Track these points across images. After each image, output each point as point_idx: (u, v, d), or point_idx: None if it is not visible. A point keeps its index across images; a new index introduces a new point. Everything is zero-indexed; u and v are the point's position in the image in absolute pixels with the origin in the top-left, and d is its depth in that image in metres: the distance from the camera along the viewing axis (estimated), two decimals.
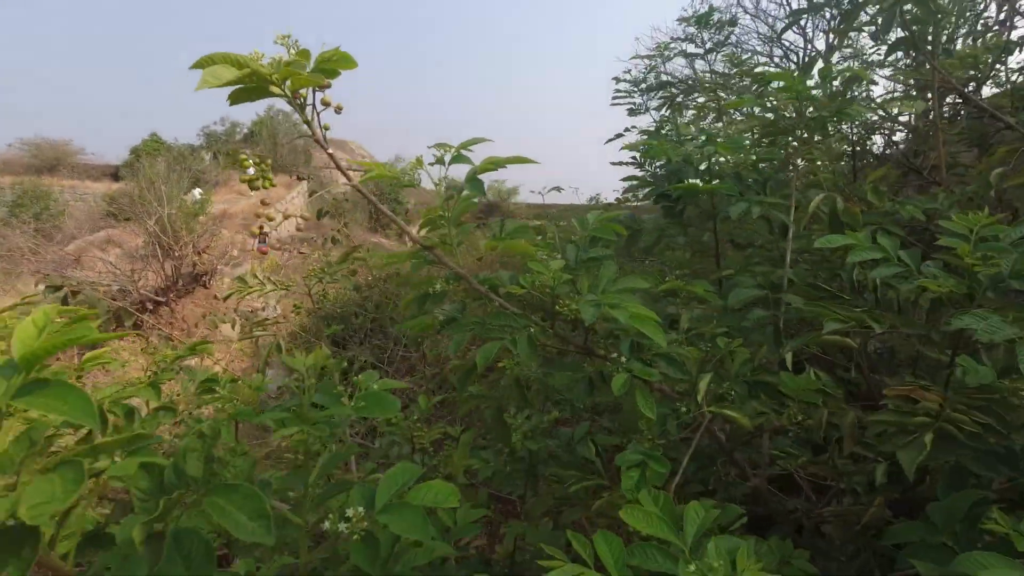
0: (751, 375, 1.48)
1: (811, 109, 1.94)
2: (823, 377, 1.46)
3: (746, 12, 8.12)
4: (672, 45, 5.02)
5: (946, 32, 2.63)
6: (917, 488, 1.51)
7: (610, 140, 4.88)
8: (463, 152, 1.22)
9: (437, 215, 1.25)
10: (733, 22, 3.71)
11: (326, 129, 0.97)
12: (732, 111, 2.82)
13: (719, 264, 2.16)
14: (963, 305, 1.25)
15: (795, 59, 7.36)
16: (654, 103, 5.07)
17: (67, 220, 15.73)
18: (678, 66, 6.14)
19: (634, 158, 4.25)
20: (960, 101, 3.37)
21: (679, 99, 3.73)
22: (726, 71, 4.76)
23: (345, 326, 5.87)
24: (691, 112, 4.58)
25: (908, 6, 2.44)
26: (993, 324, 1.05)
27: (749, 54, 4.33)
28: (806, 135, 1.91)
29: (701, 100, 4.25)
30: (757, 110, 2.19)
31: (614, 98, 5.24)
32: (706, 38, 3.51)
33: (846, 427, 1.41)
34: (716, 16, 3.44)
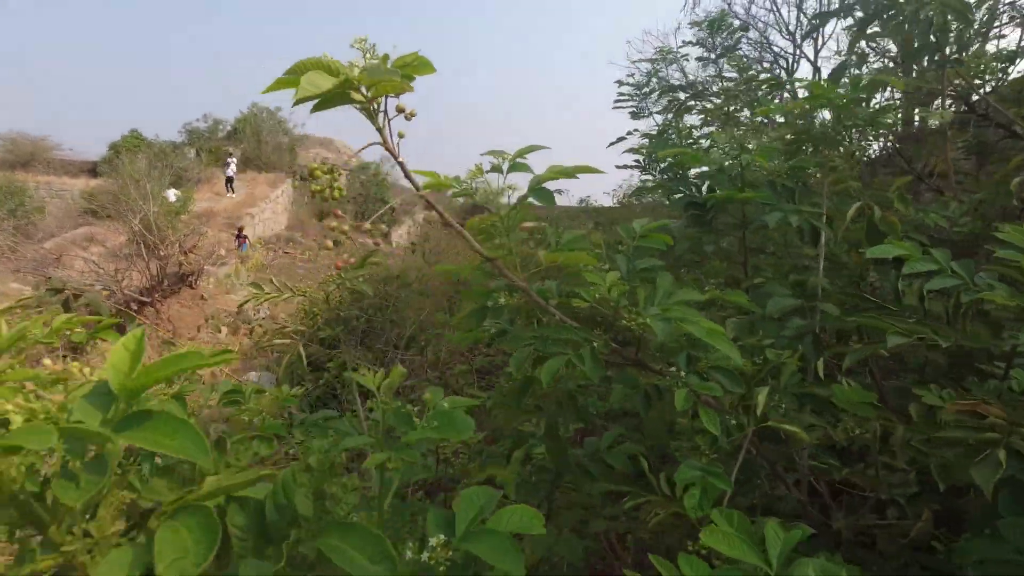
0: (799, 387, 1.46)
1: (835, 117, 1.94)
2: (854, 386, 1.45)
3: (736, 18, 8.20)
4: (676, 50, 5.03)
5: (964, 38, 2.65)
6: (958, 500, 1.51)
7: (612, 144, 4.88)
8: (519, 160, 1.18)
9: (488, 225, 1.21)
10: (745, 27, 3.72)
11: (401, 137, 0.92)
12: (752, 117, 2.82)
13: (746, 272, 2.15)
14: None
15: (783, 65, 7.44)
16: (657, 107, 5.07)
17: (45, 217, 15.30)
18: (678, 71, 6.15)
19: (637, 161, 4.24)
20: (965, 108, 3.41)
21: (688, 103, 3.73)
22: (733, 76, 4.78)
23: (342, 327, 5.79)
24: (697, 117, 4.59)
25: (930, 12, 2.46)
26: None
27: (744, 60, 4.33)
28: (839, 144, 1.90)
29: (708, 105, 4.25)
30: (780, 118, 2.18)
31: (616, 102, 5.23)
32: (717, 43, 3.51)
33: (897, 441, 1.40)
34: (728, 21, 3.44)
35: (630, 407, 1.66)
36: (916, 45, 2.68)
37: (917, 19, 2.52)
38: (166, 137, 22.18)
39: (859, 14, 2.48)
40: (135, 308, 8.82)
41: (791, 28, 7.89)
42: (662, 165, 4.34)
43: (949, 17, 2.49)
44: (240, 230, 16.49)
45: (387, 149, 0.93)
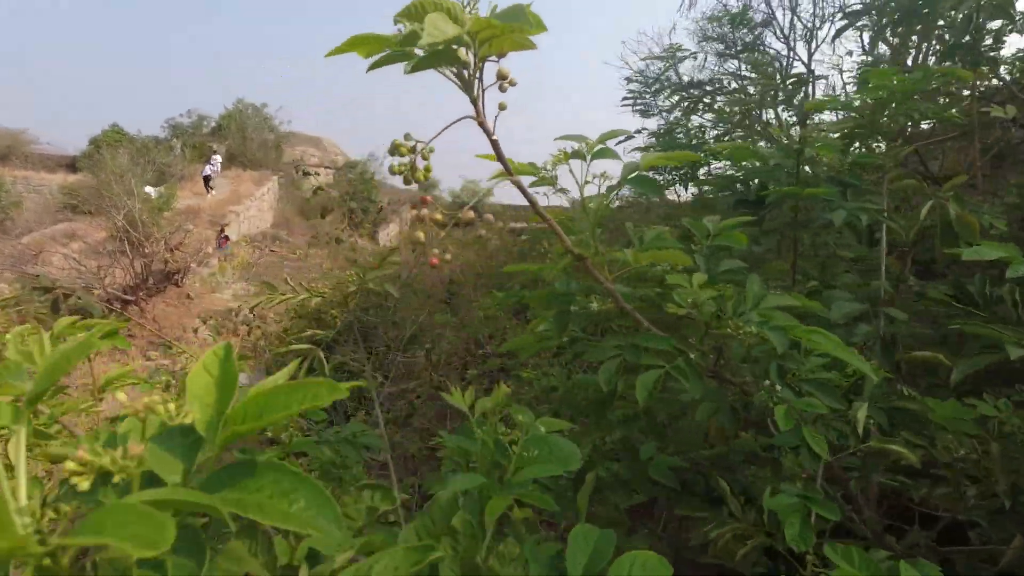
0: (887, 401, 1.34)
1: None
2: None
3: (714, 22, 8.15)
4: (684, 48, 4.92)
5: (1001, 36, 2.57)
6: None
7: (621, 141, 4.76)
8: (602, 146, 1.03)
9: (566, 219, 1.07)
10: (768, 22, 3.63)
11: (502, 109, 0.77)
12: (791, 114, 2.71)
13: (794, 275, 2.03)
14: None
15: (777, 66, 7.40)
16: (667, 104, 4.96)
17: (23, 212, 14.80)
18: (689, 69, 6.06)
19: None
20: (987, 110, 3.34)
21: (703, 100, 3.62)
22: (740, 74, 4.68)
23: (335, 329, 5.59)
24: (705, 116, 4.49)
25: (968, 10, 2.37)
26: None
27: (761, 58, 4.24)
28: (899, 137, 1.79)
29: (721, 104, 4.15)
30: (832, 115, 2.07)
31: (625, 99, 5.11)
32: (737, 38, 3.40)
33: (996, 459, 1.29)
34: (753, 16, 3.34)
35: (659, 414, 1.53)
36: (951, 42, 2.60)
37: (954, 17, 2.44)
38: (150, 133, 21.63)
39: (877, 16, 2.41)
40: (118, 307, 8.51)
41: (785, 31, 7.88)
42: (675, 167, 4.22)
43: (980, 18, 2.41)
44: (222, 230, 15.91)
45: (480, 125, 0.78)
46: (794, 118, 3.27)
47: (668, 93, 4.87)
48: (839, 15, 3.78)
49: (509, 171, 0.84)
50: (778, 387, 1.14)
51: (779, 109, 3.43)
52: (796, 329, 0.98)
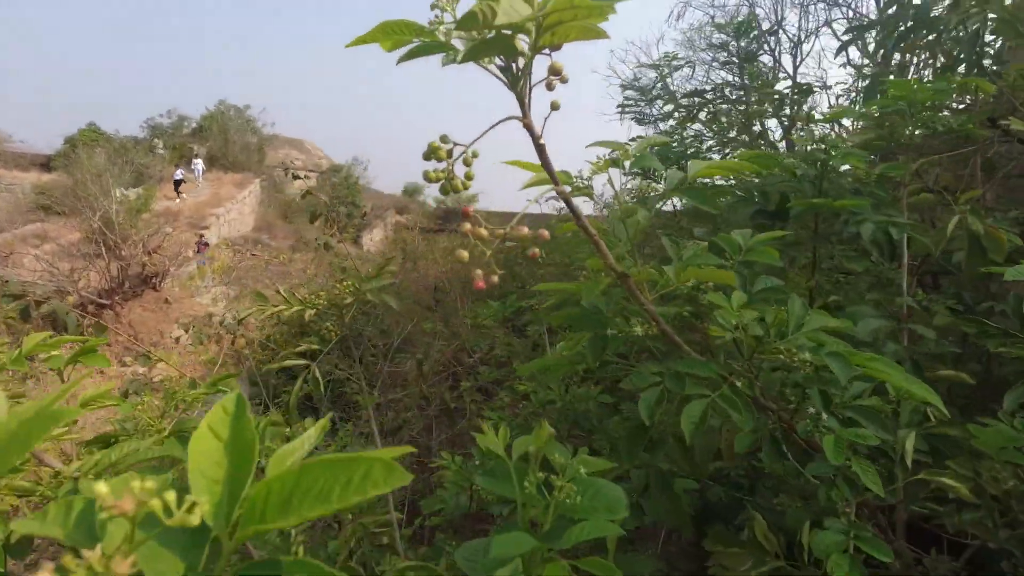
0: (926, 427, 1.27)
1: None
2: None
3: (719, 31, 8.20)
4: (679, 56, 4.89)
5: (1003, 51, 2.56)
6: None
7: (590, 145, 4.70)
8: (641, 154, 0.94)
9: (600, 229, 0.97)
10: (773, 31, 3.60)
11: (555, 109, 0.67)
12: (811, 122, 2.65)
13: (812, 290, 1.96)
14: None
15: (766, 79, 7.44)
16: (661, 113, 4.92)
17: None
18: (678, 79, 6.04)
19: (643, 168, 4.05)
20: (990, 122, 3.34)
21: (704, 107, 3.57)
22: (730, 82, 4.66)
23: (330, 341, 5.43)
24: (700, 125, 4.45)
25: (976, 25, 2.35)
26: None
27: (762, 68, 4.23)
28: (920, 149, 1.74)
29: (721, 113, 4.11)
30: (853, 123, 2.01)
31: (620, 107, 5.06)
32: (742, 47, 3.37)
33: None
34: (754, 25, 3.30)
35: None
36: (958, 55, 2.58)
37: (962, 32, 2.41)
38: (128, 134, 21.13)
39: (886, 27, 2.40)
40: (92, 311, 8.22)
41: (771, 44, 7.94)
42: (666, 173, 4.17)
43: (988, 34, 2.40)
44: (201, 238, 15.27)
45: (526, 126, 0.68)
46: (802, 129, 3.23)
47: (663, 102, 4.83)
48: (825, 27, 3.78)
49: (556, 181, 0.74)
50: (824, 415, 1.05)
51: (781, 118, 3.39)
52: (856, 356, 0.89)
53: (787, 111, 3.67)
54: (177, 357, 6.48)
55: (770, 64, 7.29)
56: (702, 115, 4.34)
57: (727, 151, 4.15)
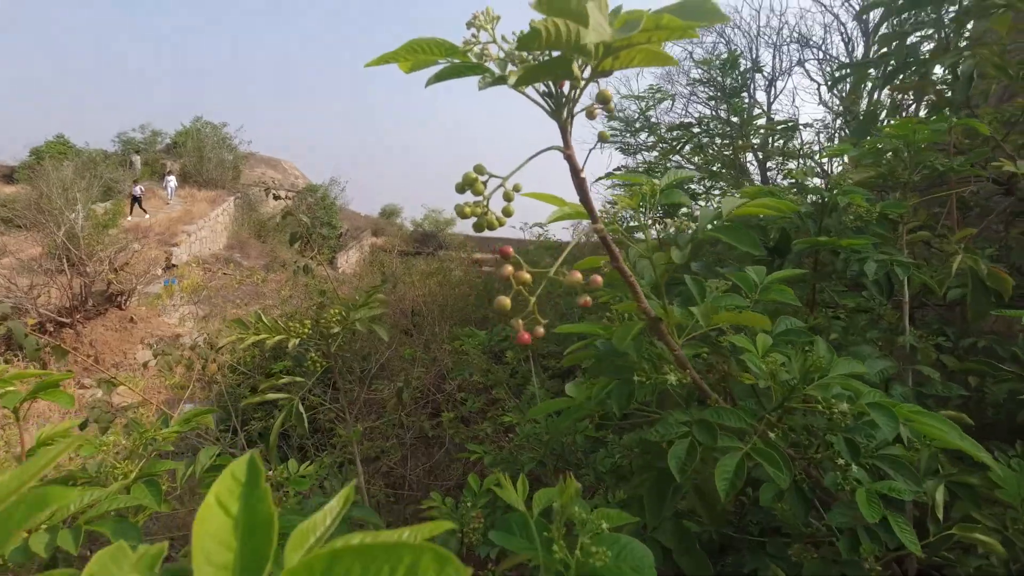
0: (946, 475, 1.22)
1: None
2: None
3: (697, 65, 8.45)
4: (662, 89, 4.98)
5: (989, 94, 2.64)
6: None
7: (600, 179, 4.72)
8: (670, 189, 0.90)
9: (612, 271, 0.92)
10: (758, 68, 3.68)
11: (604, 141, 0.62)
12: (809, 161, 2.68)
13: (812, 328, 1.94)
14: None
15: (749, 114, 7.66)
16: (644, 143, 4.98)
17: None
18: (659, 111, 6.15)
19: (670, 204, 4.07)
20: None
21: (696, 140, 3.61)
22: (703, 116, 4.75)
23: (297, 363, 5.25)
24: (682, 157, 4.50)
25: (969, 66, 2.41)
26: None
27: (745, 104, 4.32)
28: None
29: (706, 142, 4.16)
30: (836, 160, 2.02)
31: (606, 136, 5.10)
32: (727, 83, 3.42)
33: None
34: (741, 63, 3.37)
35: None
36: (950, 96, 2.64)
37: (954, 73, 2.47)
38: (99, 147, 20.62)
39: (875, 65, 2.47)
40: (51, 329, 7.84)
41: (751, 82, 8.19)
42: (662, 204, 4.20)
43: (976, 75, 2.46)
44: (168, 258, 14.79)
45: (567, 158, 0.63)
46: (780, 164, 3.28)
47: (647, 133, 4.90)
48: (848, 64, 3.88)
49: (595, 219, 0.68)
50: (853, 467, 1.00)
51: (764, 153, 3.44)
52: (900, 407, 0.85)
53: (770, 146, 3.73)
54: (142, 380, 6.19)
55: (747, 100, 7.50)
56: (686, 148, 4.39)
57: (710, 183, 4.20)
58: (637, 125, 4.88)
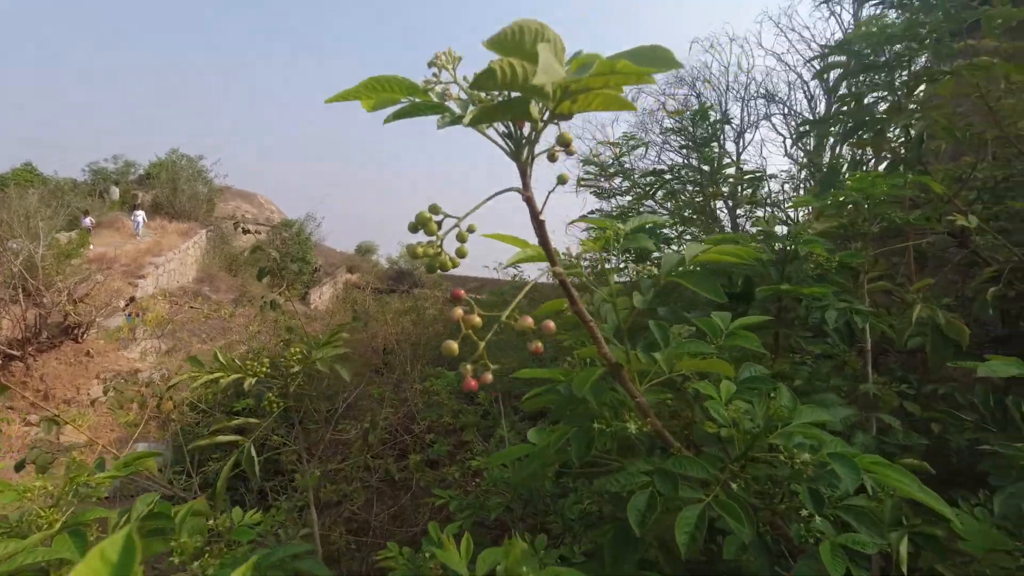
0: (911, 526, 1.21)
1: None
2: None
3: (669, 115, 8.77)
4: (636, 136, 5.13)
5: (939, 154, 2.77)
6: None
7: (573, 221, 4.79)
8: (635, 232, 0.90)
9: (572, 315, 0.91)
10: (727, 120, 3.82)
11: (562, 183, 0.61)
12: (772, 213, 2.75)
13: (776, 374, 1.95)
14: None
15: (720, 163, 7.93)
16: (619, 188, 5.09)
17: None
18: (632, 158, 6.32)
19: (636, 249, 4.13)
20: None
21: (668, 186, 3.70)
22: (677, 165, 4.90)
23: (257, 402, 5.06)
24: (661, 201, 4.61)
25: (921, 127, 2.54)
26: None
27: (715, 153, 4.47)
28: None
29: (689, 190, 4.27)
30: (801, 210, 2.08)
31: (581, 181, 5.22)
32: (698, 133, 3.54)
33: None
34: (712, 115, 3.50)
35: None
36: (904, 155, 2.77)
37: (907, 133, 2.60)
38: (68, 176, 20.24)
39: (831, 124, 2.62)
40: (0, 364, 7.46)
41: (721, 133, 8.53)
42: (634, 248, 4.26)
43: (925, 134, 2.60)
44: (131, 300, 13.82)
45: (527, 200, 0.62)
46: (760, 212, 3.37)
47: (621, 179, 5.01)
48: (810, 121, 4.05)
49: (553, 261, 0.67)
50: (816, 518, 0.98)
51: (734, 201, 3.54)
52: (862, 458, 0.84)
53: (739, 194, 3.85)
54: (92, 418, 5.88)
55: (717, 150, 7.78)
56: (659, 194, 4.50)
57: (682, 228, 4.29)
58: (612, 170, 4.99)
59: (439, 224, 0.58)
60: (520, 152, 0.59)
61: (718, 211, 4.46)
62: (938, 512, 0.89)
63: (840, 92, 2.58)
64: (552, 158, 0.66)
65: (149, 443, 6.59)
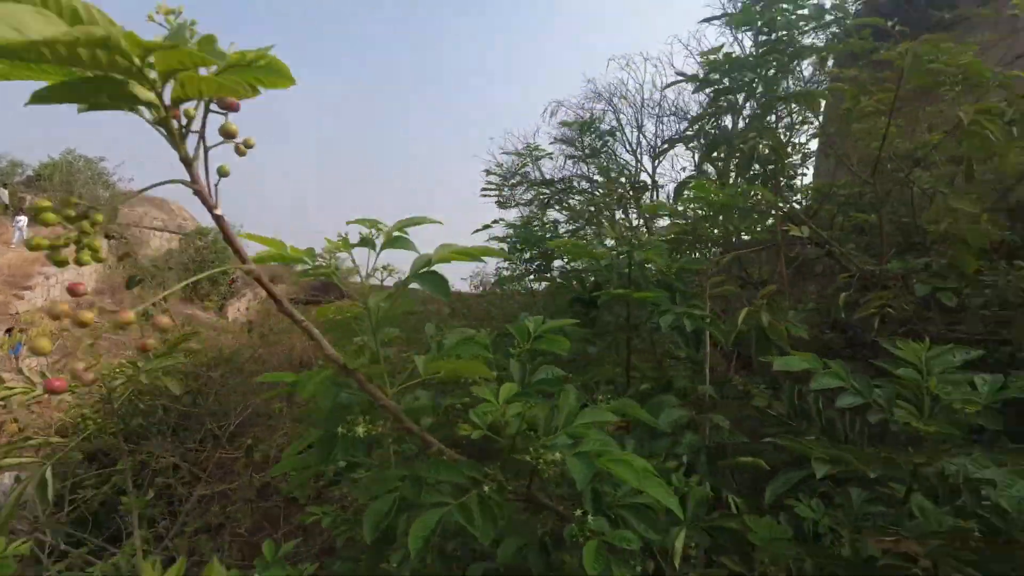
0: (708, 520, 1.26)
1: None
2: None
3: (562, 124, 8.99)
4: (540, 148, 5.23)
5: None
6: None
7: (477, 231, 4.79)
8: (398, 233, 0.88)
9: (348, 317, 0.88)
10: (612, 132, 3.95)
11: (223, 175, 0.58)
12: (629, 217, 2.84)
13: (629, 377, 2.00)
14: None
15: (628, 174, 8.22)
16: (526, 196, 5.15)
17: None
18: (542, 167, 6.42)
19: (503, 248, 4.16)
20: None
21: (555, 198, 3.77)
22: (585, 175, 5.04)
23: (147, 420, 4.71)
24: (559, 212, 4.70)
25: (758, 145, 2.73)
26: (996, 473, 0.95)
27: (607, 163, 4.61)
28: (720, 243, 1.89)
29: (574, 202, 4.36)
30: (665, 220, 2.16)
31: (483, 190, 5.24)
32: (586, 143, 3.63)
33: None
34: (600, 126, 3.60)
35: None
36: (754, 172, 2.96)
37: (745, 150, 2.79)
38: None
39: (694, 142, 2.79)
40: None
41: (633, 145, 8.88)
42: (527, 255, 4.30)
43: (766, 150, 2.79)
44: (9, 331, 12.26)
45: (198, 192, 0.58)
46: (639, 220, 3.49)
47: (525, 188, 5.07)
48: (672, 139, 4.24)
49: (243, 258, 0.64)
50: (591, 516, 0.99)
51: (623, 210, 3.65)
52: (602, 457, 0.85)
53: (632, 203, 3.98)
54: None
55: (632, 162, 8.08)
56: (558, 202, 4.58)
57: (583, 234, 4.39)
58: (514, 181, 5.04)
59: (81, 215, 0.53)
60: (179, 142, 0.55)
61: (618, 217, 4.60)
62: (662, 503, 0.91)
63: (696, 113, 2.73)
64: (240, 152, 0.62)
65: (18, 473, 5.97)
